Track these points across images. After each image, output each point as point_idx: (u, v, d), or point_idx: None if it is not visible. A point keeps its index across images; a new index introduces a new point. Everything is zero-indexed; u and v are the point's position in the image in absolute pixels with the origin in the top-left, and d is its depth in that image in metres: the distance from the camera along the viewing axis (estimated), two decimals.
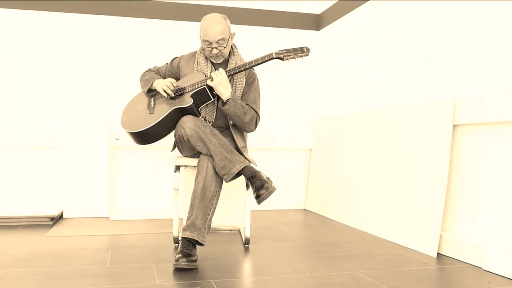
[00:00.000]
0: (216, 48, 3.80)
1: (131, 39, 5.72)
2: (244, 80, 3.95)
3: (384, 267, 3.36)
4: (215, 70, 3.91)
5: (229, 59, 3.95)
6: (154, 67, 4.27)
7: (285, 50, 3.75)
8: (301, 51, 3.75)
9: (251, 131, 4.02)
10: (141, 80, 4.19)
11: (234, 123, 3.92)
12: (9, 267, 3.27)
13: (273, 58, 3.73)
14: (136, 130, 3.82)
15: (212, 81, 3.68)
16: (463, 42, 3.77)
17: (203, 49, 3.86)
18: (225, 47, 3.85)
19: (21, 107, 5.42)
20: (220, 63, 3.95)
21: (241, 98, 3.92)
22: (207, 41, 3.79)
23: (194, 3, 5.82)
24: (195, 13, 5.69)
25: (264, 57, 3.73)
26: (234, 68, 3.76)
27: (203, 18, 3.89)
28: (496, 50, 3.47)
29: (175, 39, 5.75)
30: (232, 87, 3.86)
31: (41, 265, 3.33)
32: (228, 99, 3.69)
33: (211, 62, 3.97)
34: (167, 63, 4.24)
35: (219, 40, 3.78)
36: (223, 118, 3.96)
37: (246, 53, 4.07)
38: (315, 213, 5.86)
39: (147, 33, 5.76)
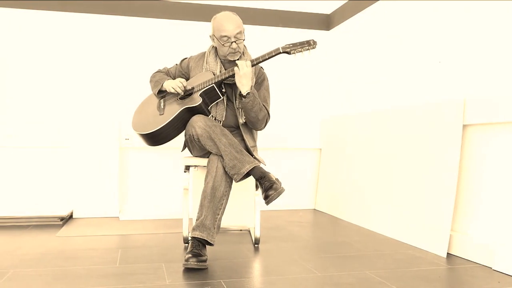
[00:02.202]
0: (235, 42, 3.80)
1: (141, 39, 5.73)
2: (254, 79, 3.95)
3: (394, 267, 3.35)
4: (225, 69, 3.91)
5: (239, 58, 3.95)
6: (164, 68, 4.27)
7: (291, 44, 3.74)
8: (308, 44, 3.74)
9: (261, 129, 4.02)
10: (151, 81, 4.19)
11: (246, 120, 3.92)
12: (18, 267, 3.28)
13: (280, 53, 3.72)
14: (147, 131, 3.83)
15: (238, 69, 3.69)
16: (473, 42, 3.76)
17: (222, 45, 3.82)
18: (244, 40, 3.87)
19: (31, 107, 5.44)
20: (230, 62, 3.95)
21: None
22: (225, 36, 3.77)
23: (204, 3, 5.82)
24: (205, 13, 5.69)
25: (271, 52, 3.72)
26: (253, 60, 3.76)
27: (213, 18, 3.88)
28: (506, 49, 3.46)
29: (186, 39, 5.76)
30: None
31: (51, 265, 3.34)
32: (249, 92, 3.70)
33: (221, 62, 3.97)
34: (176, 64, 4.24)
35: (237, 34, 3.78)
36: (233, 118, 3.96)
37: (256, 53, 4.06)
38: (325, 213, 5.86)
39: (157, 33, 5.77)
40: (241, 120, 3.91)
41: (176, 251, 3.82)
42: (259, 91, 3.98)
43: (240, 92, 3.72)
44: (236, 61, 3.74)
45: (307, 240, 4.30)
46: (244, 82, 3.67)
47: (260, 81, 4.00)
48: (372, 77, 5.25)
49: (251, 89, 3.71)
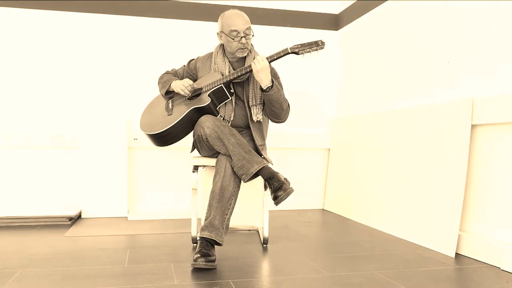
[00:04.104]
0: (244, 37, 3.81)
1: (149, 40, 5.74)
2: None
3: (403, 267, 3.35)
4: (233, 69, 3.92)
5: (246, 58, 3.96)
6: (172, 70, 4.29)
7: (300, 44, 3.74)
8: (316, 45, 3.74)
9: (285, 120, 4.02)
10: (159, 82, 4.21)
11: (269, 114, 3.92)
12: (27, 267, 3.29)
13: (289, 53, 3.72)
14: (155, 132, 3.84)
15: (255, 64, 3.67)
16: (482, 42, 3.75)
17: (232, 39, 3.82)
18: (253, 36, 3.88)
19: (40, 107, 5.46)
20: (238, 61, 3.96)
21: None
22: (235, 30, 3.78)
23: (213, 3, 5.82)
24: (214, 13, 5.69)
25: (280, 52, 3.73)
26: (270, 56, 3.74)
27: (221, 15, 3.91)
28: None
29: (194, 39, 5.76)
30: (253, 83, 3.88)
31: (59, 265, 3.35)
32: (271, 85, 3.69)
33: (229, 61, 3.98)
34: (184, 65, 4.26)
35: (246, 29, 3.80)
36: (242, 118, 3.96)
37: (265, 53, 4.06)
38: (333, 213, 5.85)
39: (165, 33, 5.77)
40: (256, 118, 3.90)
41: (185, 251, 3.83)
42: None
43: (261, 87, 3.72)
44: (255, 57, 3.72)
45: (315, 240, 4.29)
46: (262, 76, 3.66)
47: (271, 75, 4.00)
48: (380, 77, 5.24)
49: (271, 82, 3.71)
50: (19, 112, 5.41)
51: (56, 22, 5.50)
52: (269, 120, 4.03)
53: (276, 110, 3.85)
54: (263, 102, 3.90)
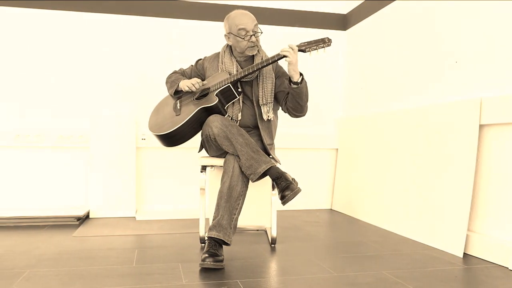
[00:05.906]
0: (253, 35, 3.81)
1: (157, 39, 5.74)
2: (273, 74, 3.95)
3: (411, 267, 3.34)
4: (241, 68, 3.92)
5: (255, 56, 3.96)
6: (180, 69, 4.29)
7: (306, 42, 3.73)
8: (323, 42, 3.72)
9: (306, 112, 3.99)
10: (167, 82, 4.21)
11: (293, 107, 3.87)
12: (35, 267, 3.30)
13: None
14: (164, 132, 3.84)
15: (289, 58, 3.63)
16: (490, 42, 3.74)
17: (242, 39, 3.82)
18: (261, 33, 3.87)
19: (49, 107, 5.47)
20: (246, 60, 3.97)
21: (275, 90, 3.95)
22: (244, 29, 3.79)
23: (221, 3, 5.82)
24: (222, 13, 5.67)
25: None
26: (273, 57, 3.72)
27: (227, 17, 3.92)
28: None
29: (202, 39, 5.76)
30: (262, 82, 3.89)
31: (67, 265, 3.36)
32: (302, 78, 3.68)
33: (236, 61, 3.98)
34: (192, 65, 4.26)
35: (254, 27, 3.81)
36: (249, 117, 3.96)
37: (273, 53, 4.05)
38: (341, 213, 5.85)
39: (173, 33, 5.78)
40: (266, 117, 3.90)
41: (193, 251, 3.83)
42: (282, 82, 3.95)
43: (291, 81, 3.68)
44: (282, 52, 3.65)
45: (323, 240, 4.29)
46: (297, 69, 3.65)
47: (280, 74, 3.99)
48: (388, 77, 5.23)
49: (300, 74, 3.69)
50: (28, 112, 5.42)
51: (64, 22, 5.51)
52: (290, 115, 3.98)
53: (303, 102, 3.83)
54: (274, 100, 3.91)
